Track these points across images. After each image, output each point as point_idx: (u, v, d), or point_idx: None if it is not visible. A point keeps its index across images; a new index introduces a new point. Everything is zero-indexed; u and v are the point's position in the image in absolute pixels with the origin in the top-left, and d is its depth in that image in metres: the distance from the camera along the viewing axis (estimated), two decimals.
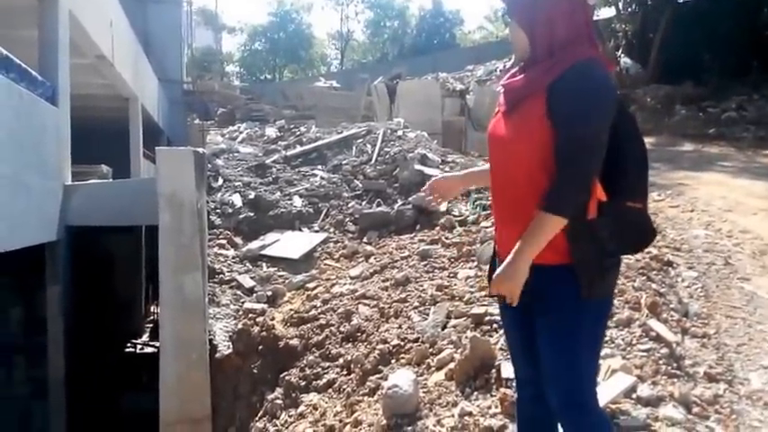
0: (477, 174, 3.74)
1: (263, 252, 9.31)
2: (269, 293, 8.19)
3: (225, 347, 7.31)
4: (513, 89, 2.89)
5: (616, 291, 5.41)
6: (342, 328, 6.64)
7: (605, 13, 27.14)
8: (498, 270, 2.72)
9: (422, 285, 7.01)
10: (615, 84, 2.81)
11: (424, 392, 4.85)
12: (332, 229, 9.98)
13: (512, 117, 2.85)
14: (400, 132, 13.26)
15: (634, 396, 4.24)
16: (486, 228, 8.11)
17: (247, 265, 9.04)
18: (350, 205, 10.53)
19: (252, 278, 8.64)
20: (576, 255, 2.70)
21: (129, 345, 13.62)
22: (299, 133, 14.45)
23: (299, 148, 12.87)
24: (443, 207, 9.51)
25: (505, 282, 2.68)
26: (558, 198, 2.63)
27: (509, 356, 4.78)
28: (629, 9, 26.34)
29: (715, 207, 9.77)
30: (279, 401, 6.18)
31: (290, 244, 9.47)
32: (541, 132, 2.70)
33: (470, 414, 4.33)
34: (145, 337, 14.18)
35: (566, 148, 2.64)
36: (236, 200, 10.53)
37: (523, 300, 2.74)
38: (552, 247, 2.69)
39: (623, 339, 4.98)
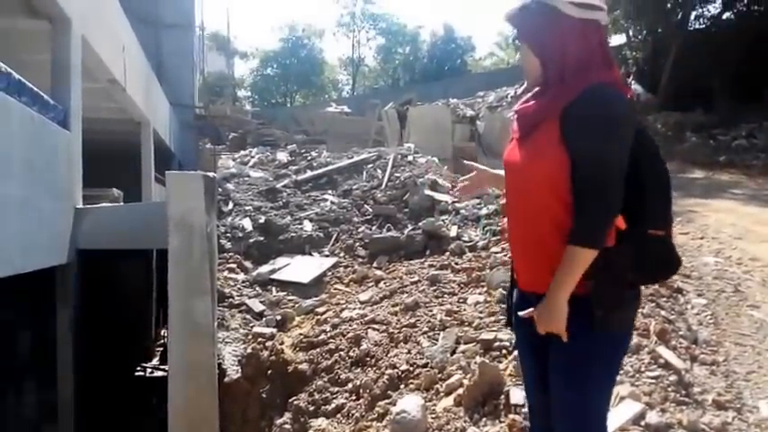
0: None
1: (272, 276, 9.32)
2: (278, 318, 8.19)
3: (234, 371, 7.30)
4: (526, 115, 2.84)
5: None
6: (351, 353, 6.63)
7: (616, 40, 27.26)
8: (539, 311, 2.68)
9: (431, 310, 7.01)
10: (631, 107, 2.73)
11: (432, 418, 4.84)
12: (342, 254, 10.00)
13: (526, 143, 2.80)
14: (410, 158, 13.31)
15: (642, 423, 4.22)
16: (496, 253, 8.11)
17: (257, 289, 9.05)
18: (360, 230, 10.55)
19: (261, 302, 8.64)
20: (591, 285, 2.62)
21: (138, 368, 13.60)
22: (309, 158, 14.52)
23: (309, 173, 12.93)
24: (453, 233, 9.52)
25: (551, 322, 2.64)
26: (586, 230, 2.58)
27: (518, 382, 4.79)
28: (640, 36, 26.44)
29: (725, 234, 9.76)
30: (287, 426, 6.16)
31: (300, 268, 9.48)
32: (556, 158, 2.65)
33: None
34: (155, 361, 14.15)
35: (588, 178, 2.59)
36: (247, 224, 10.57)
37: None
38: None
39: (632, 366, 4.96)
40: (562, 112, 2.65)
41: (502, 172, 3.28)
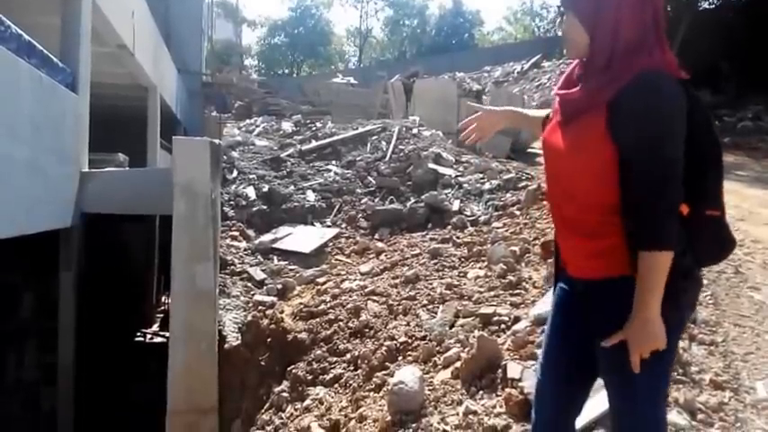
0: (523, 117, 3.50)
1: (274, 245, 9.34)
2: (279, 286, 8.21)
3: (234, 339, 7.34)
4: (571, 101, 2.64)
5: None
6: (350, 324, 6.64)
7: None
8: (629, 330, 2.46)
9: (431, 284, 7.03)
10: (682, 92, 2.48)
11: (429, 390, 4.85)
12: (344, 225, 10.01)
13: (569, 129, 2.63)
14: (415, 130, 13.30)
15: None
16: (498, 228, 8.14)
17: (259, 257, 9.07)
18: (362, 201, 10.56)
19: (263, 271, 8.66)
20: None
21: (139, 334, 13.66)
22: (314, 128, 14.51)
23: (314, 143, 12.92)
24: (455, 206, 9.53)
25: (647, 340, 2.44)
26: (654, 233, 2.42)
27: (516, 357, 4.83)
28: None
29: (727, 216, 9.72)
30: (285, 394, 6.19)
31: (302, 238, 9.50)
32: (601, 151, 2.50)
33: (475, 413, 4.34)
34: (155, 327, 14.22)
35: (646, 175, 2.42)
36: (250, 192, 10.58)
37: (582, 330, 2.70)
38: (606, 259, 2.60)
39: None
40: (610, 101, 2.47)
41: (520, 110, 3.19)
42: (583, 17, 2.54)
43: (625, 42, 2.48)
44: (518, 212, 8.82)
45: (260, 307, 7.68)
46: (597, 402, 3.58)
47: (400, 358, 5.68)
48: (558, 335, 2.93)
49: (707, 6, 25.46)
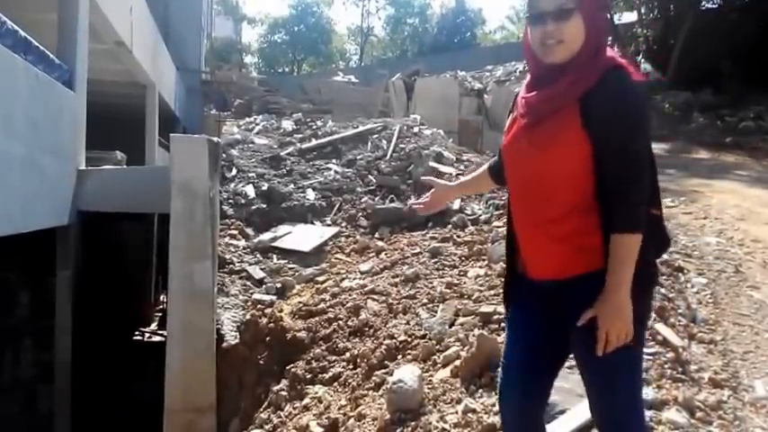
0: (469, 182, 3.70)
1: (274, 244, 9.31)
2: (278, 285, 8.19)
3: (232, 337, 7.31)
4: (544, 100, 2.68)
5: None
6: (349, 323, 6.63)
7: (627, 17, 27.08)
8: (598, 309, 2.55)
9: (431, 282, 7.01)
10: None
11: (428, 389, 4.84)
12: (344, 224, 9.99)
13: (540, 129, 2.68)
14: (416, 129, 13.27)
15: None
16: (498, 227, 8.10)
17: (258, 256, 9.04)
18: (363, 200, 10.53)
19: (262, 269, 8.63)
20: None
21: (137, 333, 13.66)
22: (314, 127, 14.49)
23: (314, 142, 12.89)
24: (456, 205, 9.50)
25: (616, 319, 2.52)
26: (629, 216, 2.54)
27: None
28: (651, 14, 26.24)
29: (728, 215, 9.74)
30: (284, 393, 6.18)
31: (302, 237, 9.47)
32: (577, 144, 2.59)
33: (474, 411, 4.33)
34: (153, 326, 14.22)
35: (621, 162, 2.55)
36: (250, 191, 10.54)
37: (552, 317, 2.75)
38: (587, 255, 2.65)
39: None
40: (583, 96, 2.57)
41: (465, 178, 3.25)
42: (587, 17, 2.63)
43: (603, 39, 2.69)
44: None
45: (259, 306, 7.66)
46: None
47: (400, 357, 5.67)
48: (522, 351, 2.95)
49: (709, 6, 25.41)
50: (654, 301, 5.67)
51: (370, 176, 11.34)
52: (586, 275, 2.64)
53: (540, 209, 2.75)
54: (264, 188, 10.62)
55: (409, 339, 5.83)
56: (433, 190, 3.51)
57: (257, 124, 16.76)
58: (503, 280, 3.35)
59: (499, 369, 3.12)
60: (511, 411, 3.01)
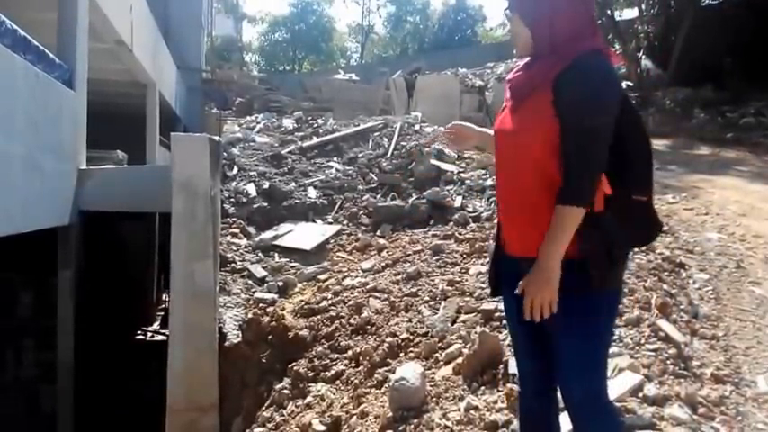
0: (489, 137, 3.68)
1: (275, 242, 9.31)
2: (280, 284, 8.19)
3: (234, 336, 7.31)
4: (519, 84, 2.90)
5: (626, 290, 5.42)
6: (352, 321, 6.64)
7: (628, 14, 27.02)
8: (529, 277, 2.69)
9: (433, 280, 7.01)
10: (619, 76, 2.87)
11: (431, 386, 4.85)
12: (345, 222, 9.99)
13: (518, 111, 2.87)
14: (417, 127, 13.27)
15: (640, 395, 4.23)
16: None
17: (259, 254, 9.04)
18: (364, 198, 10.53)
19: (264, 268, 8.64)
20: (584, 247, 2.68)
21: (139, 332, 13.64)
22: (316, 125, 14.49)
23: (315, 140, 12.89)
24: (458, 203, 9.50)
25: (543, 287, 2.65)
26: (574, 189, 2.64)
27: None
28: (652, 11, 26.16)
29: (729, 211, 9.73)
30: (286, 391, 6.18)
31: (303, 235, 9.47)
32: (549, 125, 2.71)
33: (476, 408, 4.34)
34: (156, 325, 14.19)
35: (576, 138, 2.65)
36: (251, 189, 10.54)
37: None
38: None
39: (632, 338, 4.98)
40: (554, 80, 2.72)
41: (489, 131, 3.28)
42: (523, 14, 2.88)
43: (564, 33, 2.77)
44: None
45: (261, 304, 7.67)
46: None
47: (402, 354, 5.67)
48: (517, 334, 3.20)
49: (710, 2, 25.33)
50: (657, 297, 5.68)
51: (371, 174, 11.33)
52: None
53: (514, 189, 2.92)
54: (266, 187, 10.61)
55: (411, 337, 5.84)
56: (455, 123, 3.67)
57: (258, 123, 16.76)
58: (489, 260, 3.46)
59: None
60: (524, 395, 3.23)
